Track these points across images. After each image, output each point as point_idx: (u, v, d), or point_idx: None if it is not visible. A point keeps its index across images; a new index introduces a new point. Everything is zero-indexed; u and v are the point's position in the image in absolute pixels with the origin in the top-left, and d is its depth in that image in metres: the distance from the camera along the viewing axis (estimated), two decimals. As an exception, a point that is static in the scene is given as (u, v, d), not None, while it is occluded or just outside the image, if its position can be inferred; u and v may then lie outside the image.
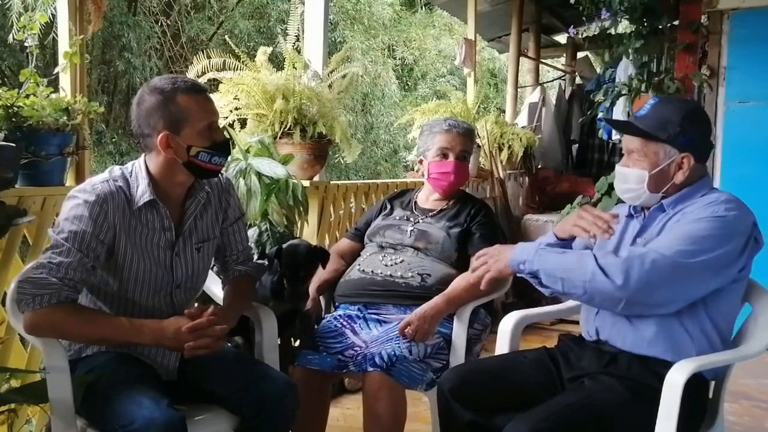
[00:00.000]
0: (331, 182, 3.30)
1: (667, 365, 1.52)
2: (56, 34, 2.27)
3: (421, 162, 2.38)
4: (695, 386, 1.53)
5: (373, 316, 2.12)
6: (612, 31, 3.95)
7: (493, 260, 1.69)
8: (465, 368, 1.84)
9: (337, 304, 2.25)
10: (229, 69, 2.77)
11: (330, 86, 2.93)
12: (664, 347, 1.57)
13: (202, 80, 2.62)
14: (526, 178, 5.38)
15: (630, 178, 1.68)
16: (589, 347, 1.73)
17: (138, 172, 1.66)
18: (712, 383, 1.68)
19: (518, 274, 1.67)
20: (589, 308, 1.75)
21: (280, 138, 2.76)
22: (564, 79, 7.23)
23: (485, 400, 1.70)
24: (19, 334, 1.89)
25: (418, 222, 2.28)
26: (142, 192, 1.63)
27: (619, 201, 3.44)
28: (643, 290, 1.48)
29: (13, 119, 1.96)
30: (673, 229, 1.58)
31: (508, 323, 1.92)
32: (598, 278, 1.50)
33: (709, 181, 1.70)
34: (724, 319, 1.61)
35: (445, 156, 2.28)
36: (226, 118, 2.67)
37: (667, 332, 1.57)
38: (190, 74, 2.66)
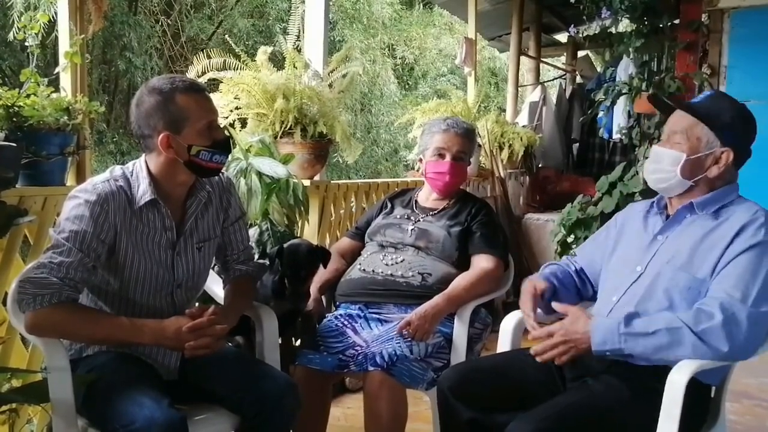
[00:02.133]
0: (332, 182, 3.30)
1: (671, 366, 1.52)
2: (57, 34, 2.27)
3: (420, 161, 2.38)
4: (697, 387, 1.53)
5: (374, 315, 2.12)
6: (612, 30, 3.95)
7: (571, 342, 1.56)
8: (464, 367, 1.84)
9: (337, 303, 2.25)
10: (230, 68, 2.77)
11: (330, 86, 2.94)
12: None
13: (202, 80, 2.62)
14: (527, 177, 5.38)
15: (664, 158, 1.64)
16: None
17: (139, 172, 1.66)
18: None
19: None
20: (601, 306, 1.72)
21: (281, 137, 2.77)
22: (564, 78, 7.23)
23: (485, 399, 1.69)
24: (20, 334, 1.89)
25: (419, 221, 2.28)
26: (143, 191, 1.63)
27: (619, 200, 3.44)
28: (751, 348, 1.48)
29: (14, 119, 1.96)
30: (737, 263, 1.51)
31: (509, 323, 1.92)
32: (701, 350, 1.45)
33: (737, 188, 1.67)
34: None
35: (441, 156, 2.28)
36: (227, 117, 2.67)
37: None
38: (191, 74, 2.67)
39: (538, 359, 1.60)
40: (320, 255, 2.10)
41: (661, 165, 1.65)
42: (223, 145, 1.69)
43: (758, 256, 1.50)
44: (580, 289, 1.89)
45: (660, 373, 1.53)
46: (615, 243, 1.81)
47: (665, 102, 1.83)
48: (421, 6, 12.79)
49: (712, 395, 1.69)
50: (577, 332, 1.55)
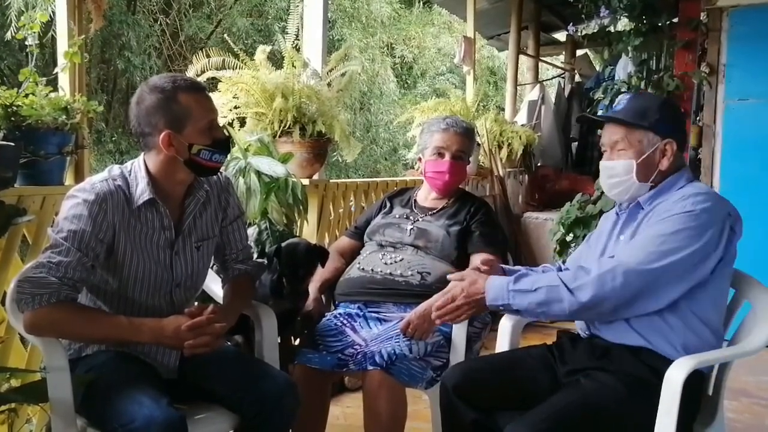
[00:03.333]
0: (331, 181, 3.30)
1: (659, 357, 1.55)
2: (55, 33, 2.27)
3: (420, 160, 2.38)
4: (691, 381, 1.53)
5: (373, 314, 2.12)
6: (611, 28, 3.95)
7: (472, 302, 1.65)
8: (468, 365, 1.85)
9: (337, 302, 2.25)
10: (229, 68, 2.77)
11: (329, 85, 2.93)
12: (652, 340, 1.59)
13: (201, 79, 2.62)
14: (526, 176, 5.38)
15: (617, 169, 1.69)
16: (582, 342, 1.75)
17: (137, 171, 1.66)
18: (713, 379, 1.69)
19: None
20: None
21: (280, 136, 2.76)
22: (563, 77, 7.23)
23: (488, 398, 1.70)
24: (19, 334, 1.89)
25: (418, 220, 2.28)
26: (141, 191, 1.63)
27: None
28: (619, 303, 1.52)
29: (12, 118, 1.96)
30: (645, 230, 1.59)
31: (508, 321, 1.92)
32: (574, 303, 1.53)
33: (686, 172, 1.71)
34: (710, 311, 1.61)
35: (441, 155, 2.28)
36: (226, 117, 2.67)
37: (652, 327, 1.59)
38: (190, 73, 2.66)
39: (438, 321, 1.72)
40: (318, 254, 2.10)
41: (617, 178, 1.70)
42: (223, 144, 1.70)
43: (673, 222, 1.55)
44: None
45: (654, 366, 1.55)
46: (594, 250, 1.84)
47: (595, 119, 1.96)
48: (421, 5, 12.78)
49: (710, 392, 1.70)
50: (477, 293, 1.64)
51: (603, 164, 1.75)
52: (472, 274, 1.70)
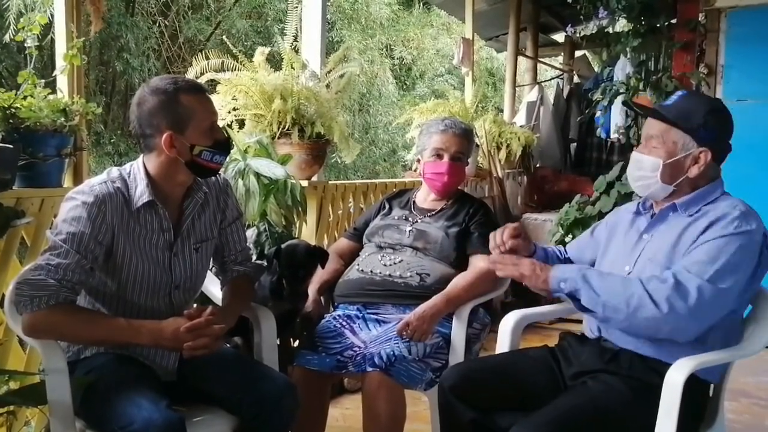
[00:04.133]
0: (330, 182, 3.30)
1: (669, 364, 1.52)
2: (54, 36, 2.27)
3: (419, 161, 2.38)
4: (695, 385, 1.53)
5: (372, 316, 2.12)
6: (610, 29, 3.97)
7: (530, 272, 1.62)
8: (466, 366, 1.84)
9: (336, 304, 2.25)
10: (228, 69, 2.77)
11: (328, 86, 2.93)
12: (668, 352, 1.56)
13: (200, 81, 2.62)
14: (525, 177, 5.38)
15: (645, 164, 1.65)
16: (589, 344, 1.73)
17: (136, 173, 1.66)
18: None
19: (555, 294, 1.61)
20: None
21: (279, 138, 2.76)
22: (562, 78, 7.24)
23: (487, 399, 1.70)
24: (17, 336, 1.88)
25: (417, 222, 2.28)
26: (140, 193, 1.63)
27: (617, 200, 3.46)
28: (689, 318, 1.46)
29: (11, 120, 1.95)
30: (703, 247, 1.52)
31: (508, 323, 1.92)
32: (644, 302, 1.47)
33: (722, 183, 1.67)
34: (736, 332, 1.61)
35: (439, 156, 2.28)
36: (224, 118, 2.67)
37: (683, 347, 1.54)
38: (189, 75, 2.66)
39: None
40: (318, 255, 2.10)
41: (643, 171, 1.67)
42: (224, 145, 1.70)
43: (725, 244, 1.51)
44: None
45: (659, 369, 1.54)
46: (606, 246, 1.82)
47: (639, 110, 1.86)
48: (420, 6, 12.80)
49: (711, 394, 1.69)
50: (538, 265, 1.64)
51: (633, 155, 1.71)
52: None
